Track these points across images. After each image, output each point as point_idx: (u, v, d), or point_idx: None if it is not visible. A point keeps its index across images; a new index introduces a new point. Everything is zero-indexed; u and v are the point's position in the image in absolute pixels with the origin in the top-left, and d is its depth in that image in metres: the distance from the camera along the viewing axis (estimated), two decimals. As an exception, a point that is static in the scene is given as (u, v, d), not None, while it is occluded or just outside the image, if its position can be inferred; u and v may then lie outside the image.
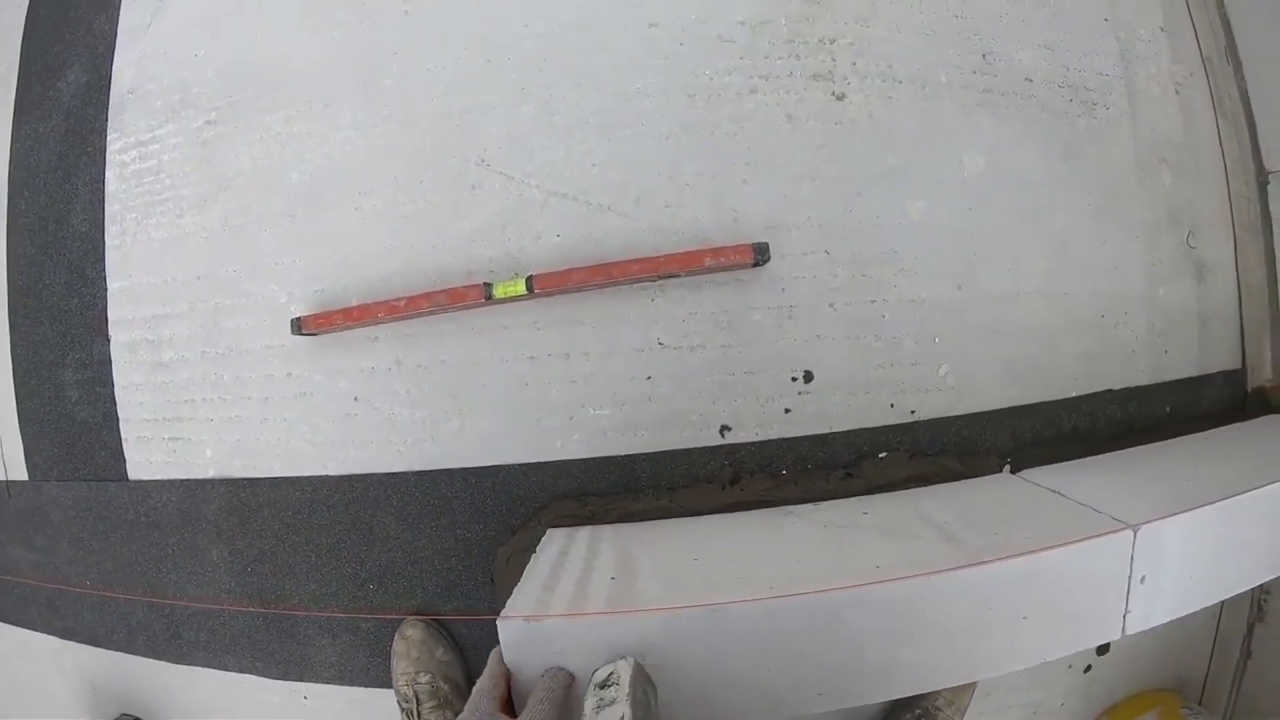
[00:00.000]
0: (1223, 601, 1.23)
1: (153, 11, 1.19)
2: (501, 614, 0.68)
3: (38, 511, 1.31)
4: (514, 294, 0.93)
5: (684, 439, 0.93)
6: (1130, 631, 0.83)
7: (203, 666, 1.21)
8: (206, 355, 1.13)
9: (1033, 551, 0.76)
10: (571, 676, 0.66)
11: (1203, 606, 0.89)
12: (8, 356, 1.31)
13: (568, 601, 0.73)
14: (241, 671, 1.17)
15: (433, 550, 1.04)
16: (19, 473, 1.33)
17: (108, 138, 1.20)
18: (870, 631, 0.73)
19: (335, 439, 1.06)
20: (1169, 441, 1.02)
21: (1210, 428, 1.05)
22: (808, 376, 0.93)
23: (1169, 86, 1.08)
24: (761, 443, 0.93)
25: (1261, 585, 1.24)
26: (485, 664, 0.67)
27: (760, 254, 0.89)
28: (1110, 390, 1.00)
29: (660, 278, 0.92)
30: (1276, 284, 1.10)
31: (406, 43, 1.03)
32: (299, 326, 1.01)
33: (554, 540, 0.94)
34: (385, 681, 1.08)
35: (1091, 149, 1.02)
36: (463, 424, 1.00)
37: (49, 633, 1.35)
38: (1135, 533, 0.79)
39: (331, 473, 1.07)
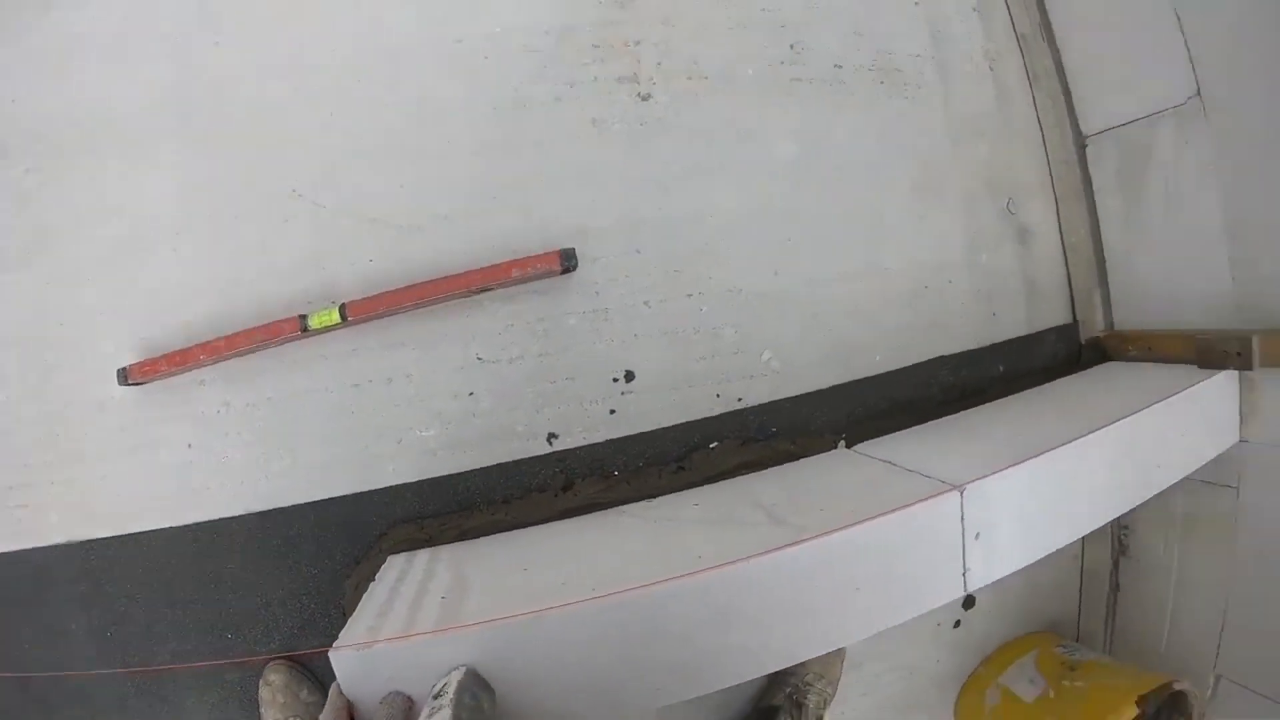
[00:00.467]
0: (1083, 542, 1.28)
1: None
2: (333, 646, 0.67)
3: None
4: (329, 324, 0.92)
5: (512, 451, 0.93)
6: (973, 587, 0.85)
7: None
8: (40, 416, 1.10)
9: (855, 524, 0.78)
10: (409, 700, 0.66)
11: (1047, 553, 0.92)
12: None
13: (400, 626, 0.73)
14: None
15: (284, 591, 1.03)
16: None
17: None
18: (696, 621, 0.74)
19: (174, 489, 1.04)
20: (1004, 400, 1.05)
21: (1047, 382, 1.09)
22: (629, 376, 0.94)
23: (982, 64, 1.13)
24: (590, 446, 0.94)
25: (1119, 522, 1.29)
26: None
27: (567, 260, 0.91)
28: (941, 357, 1.03)
29: (473, 293, 0.93)
30: (1100, 241, 1.14)
31: (216, 76, 1.02)
32: (125, 376, 1.00)
33: (393, 566, 0.94)
34: (259, 735, 1.06)
35: (905, 128, 1.05)
36: (295, 460, 0.99)
37: None
38: (962, 492, 0.82)
39: (175, 524, 1.04)
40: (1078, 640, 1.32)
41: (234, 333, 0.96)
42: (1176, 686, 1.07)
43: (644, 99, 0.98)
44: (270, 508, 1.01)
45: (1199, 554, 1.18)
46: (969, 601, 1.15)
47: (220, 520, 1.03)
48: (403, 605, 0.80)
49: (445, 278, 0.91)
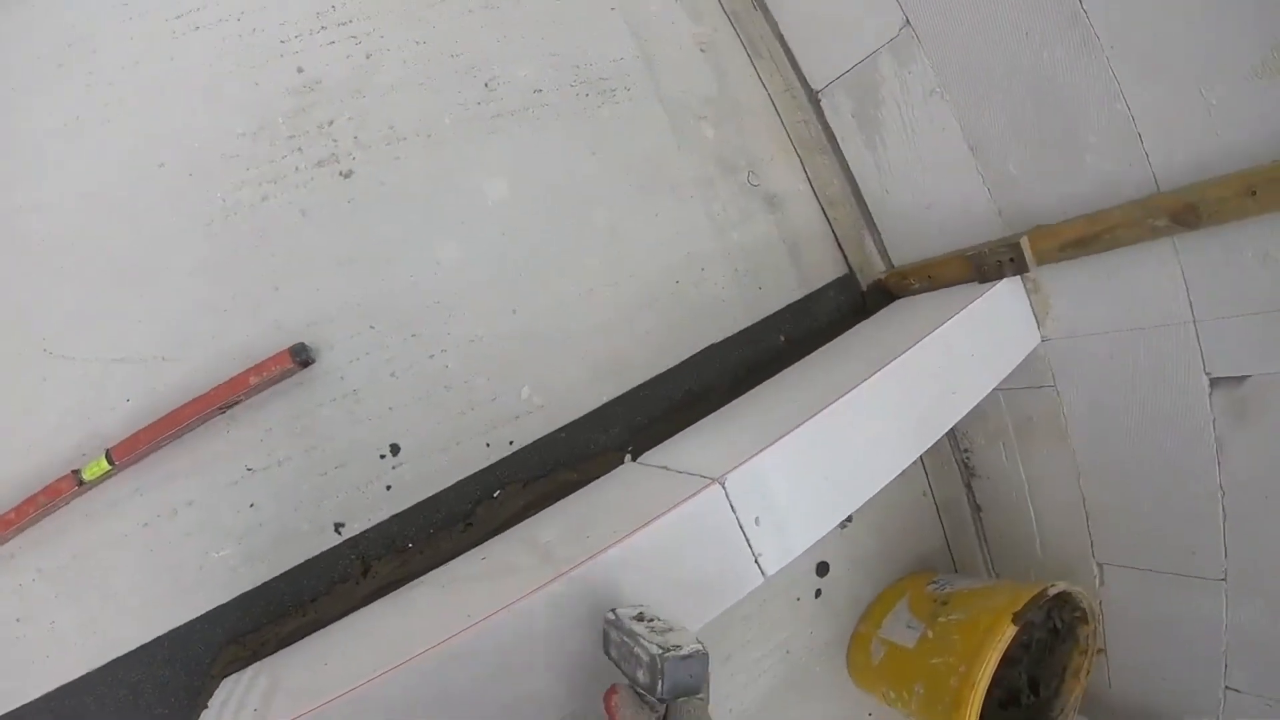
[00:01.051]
0: (927, 477, 1.28)
1: None
2: None
3: None
4: (101, 472, 0.95)
5: (305, 550, 0.96)
6: (772, 571, 0.86)
7: None
8: None
9: (618, 541, 0.79)
10: None
11: (851, 511, 0.93)
12: None
13: None
14: None
15: (142, 737, 1.05)
16: None
17: None
18: (484, 678, 0.75)
19: (11, 665, 1.07)
20: (792, 366, 1.06)
21: (836, 336, 1.10)
22: (395, 450, 0.97)
23: (693, 49, 1.14)
24: (377, 526, 0.97)
25: (959, 446, 1.30)
26: None
27: (299, 354, 0.93)
28: (711, 345, 1.04)
29: (224, 409, 0.96)
30: (858, 187, 1.16)
31: None
32: (-79, 570, 1.03)
33: (224, 689, 0.96)
34: None
35: (620, 133, 1.07)
36: (117, 607, 1.01)
37: None
38: (723, 484, 0.83)
39: (27, 699, 1.08)
40: (956, 571, 1.34)
41: (18, 503, 0.99)
42: (1052, 591, 1.08)
43: (346, 176, 1.00)
44: (107, 660, 1.04)
45: (1041, 456, 1.20)
46: (822, 569, 1.17)
47: (66, 685, 1.06)
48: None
49: (191, 401, 0.94)
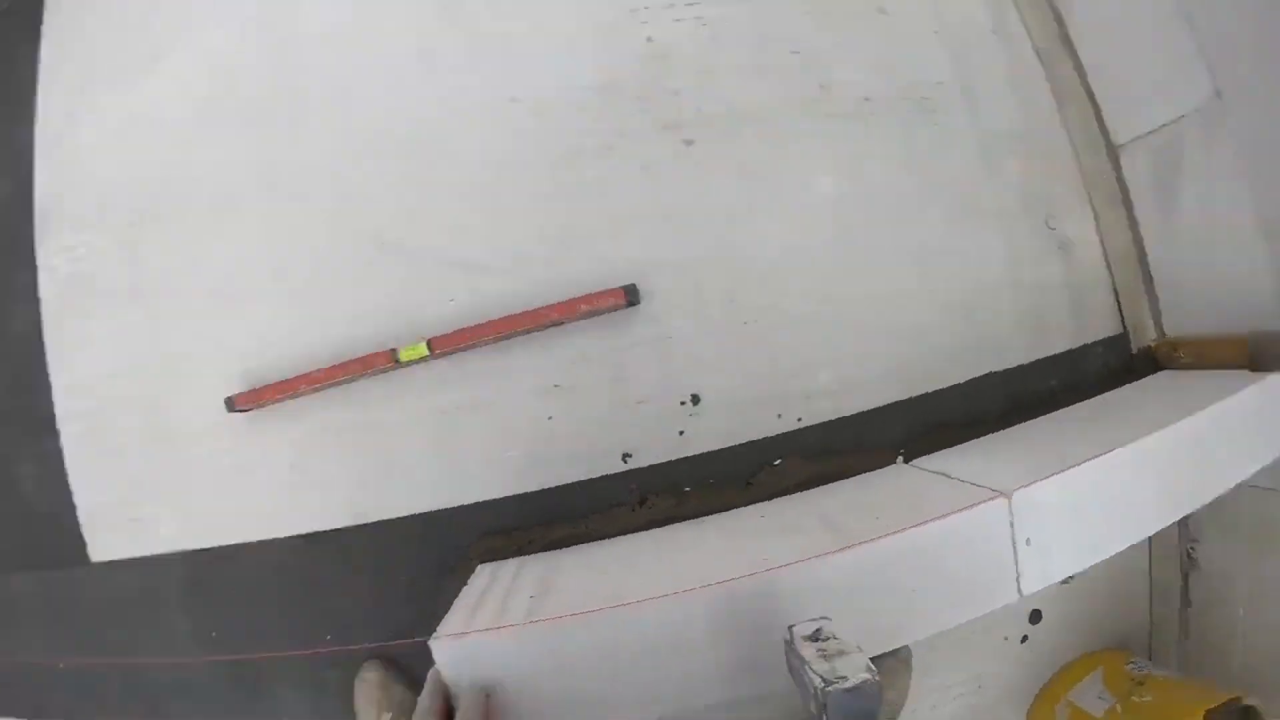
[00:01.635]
0: (1151, 556, 1.31)
1: (67, 122, 1.31)
2: (432, 636, 0.79)
3: (3, 602, 1.44)
4: (418, 356, 1.05)
5: (590, 470, 1.05)
6: (1027, 592, 0.89)
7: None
8: (152, 438, 1.25)
9: (906, 529, 0.86)
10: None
11: (1100, 559, 0.96)
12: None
13: (491, 620, 0.83)
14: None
15: (380, 596, 1.15)
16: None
17: (36, 244, 1.32)
18: (765, 619, 0.80)
19: (279, 504, 1.17)
20: (1058, 411, 1.11)
21: (1100, 393, 1.15)
22: (695, 399, 1.05)
23: (1005, 83, 1.18)
24: (662, 465, 1.05)
25: (1188, 534, 1.32)
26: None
27: (631, 295, 1.01)
28: (992, 373, 1.10)
29: (546, 327, 1.04)
30: (1143, 249, 1.19)
31: (298, 136, 1.15)
32: (232, 404, 1.14)
33: (482, 573, 1.05)
34: (353, 727, 1.19)
35: (935, 154, 1.13)
36: (392, 478, 1.11)
37: (17, 715, 1.47)
38: (1010, 499, 0.88)
39: (280, 535, 1.18)
40: (1149, 657, 1.35)
41: (332, 365, 1.09)
42: (1245, 701, 1.08)
43: (688, 144, 1.08)
44: (367, 521, 1.14)
45: (1271, 564, 1.17)
46: (1035, 616, 1.21)
47: (320, 532, 1.17)
48: (493, 604, 0.90)
49: (521, 313, 1.03)
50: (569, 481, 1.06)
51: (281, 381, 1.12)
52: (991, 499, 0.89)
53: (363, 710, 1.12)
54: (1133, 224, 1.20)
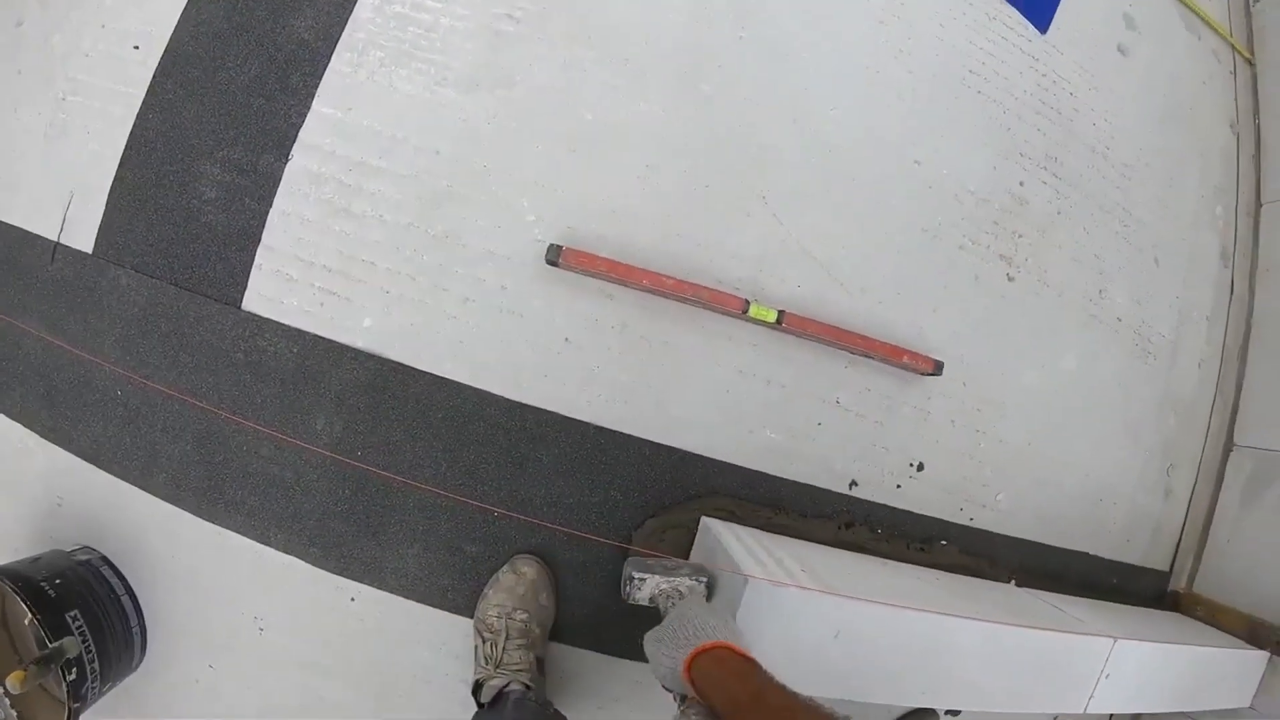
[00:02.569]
0: None
1: None
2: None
3: (90, 292, 1.16)
4: (763, 318, 1.15)
5: (817, 478, 1.23)
6: (1089, 710, 1.18)
7: (235, 532, 1.16)
8: (413, 229, 1.14)
9: (1035, 627, 1.14)
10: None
11: (1144, 711, 1.29)
12: (133, 115, 1.15)
13: (779, 576, 0.93)
14: (286, 552, 1.14)
15: (576, 500, 1.16)
16: (81, 242, 1.16)
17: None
18: (965, 651, 1.04)
19: (528, 366, 1.15)
20: (1107, 603, 1.50)
21: (1134, 606, 1.58)
22: (920, 466, 1.29)
23: (1196, 358, 1.61)
24: (875, 504, 1.26)
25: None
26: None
27: (937, 369, 1.24)
28: (1086, 554, 1.49)
29: (865, 355, 1.22)
30: (1211, 523, 1.69)
31: (731, 63, 1.21)
32: (557, 254, 1.10)
33: (710, 528, 1.14)
34: (458, 608, 1.13)
35: (1139, 381, 1.49)
36: (657, 401, 1.18)
37: (32, 427, 1.17)
38: (1114, 641, 1.17)
39: (507, 395, 1.15)
40: None
41: (684, 279, 1.13)
42: None
43: (1010, 280, 1.36)
44: (612, 428, 1.17)
45: None
46: None
47: (558, 415, 1.16)
48: (767, 561, 1.00)
49: (859, 334, 1.20)
50: (802, 481, 1.22)
51: (624, 263, 1.10)
52: (1103, 635, 1.17)
53: (498, 600, 1.09)
54: (1214, 502, 1.65)
